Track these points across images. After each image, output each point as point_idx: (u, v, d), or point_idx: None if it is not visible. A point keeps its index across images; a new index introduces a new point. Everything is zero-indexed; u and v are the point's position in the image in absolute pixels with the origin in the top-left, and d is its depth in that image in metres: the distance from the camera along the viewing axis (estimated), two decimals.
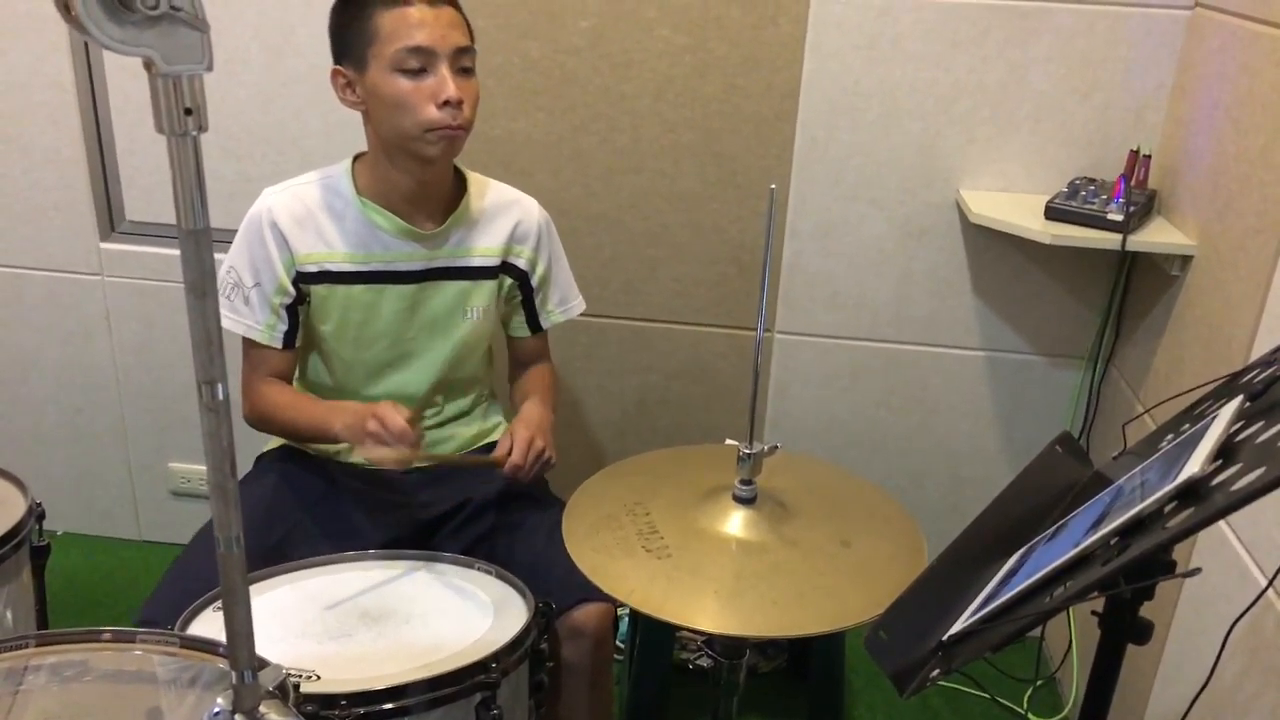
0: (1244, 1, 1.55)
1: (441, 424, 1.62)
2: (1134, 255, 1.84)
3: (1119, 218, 1.67)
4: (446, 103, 1.36)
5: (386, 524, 1.50)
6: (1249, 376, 0.96)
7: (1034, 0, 1.75)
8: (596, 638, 1.37)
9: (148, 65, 0.46)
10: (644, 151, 1.94)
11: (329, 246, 1.47)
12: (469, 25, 1.43)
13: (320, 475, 1.54)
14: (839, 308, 2.02)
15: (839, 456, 2.13)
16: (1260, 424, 0.74)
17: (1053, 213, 1.73)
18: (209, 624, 1.18)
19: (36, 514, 1.39)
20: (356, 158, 1.50)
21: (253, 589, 1.25)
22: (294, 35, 1.94)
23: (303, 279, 1.47)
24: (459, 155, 1.47)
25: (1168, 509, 0.69)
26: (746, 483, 1.06)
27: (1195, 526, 0.62)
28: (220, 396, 0.58)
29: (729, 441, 1.77)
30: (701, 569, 0.99)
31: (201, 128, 0.49)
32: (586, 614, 1.36)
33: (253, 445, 1.60)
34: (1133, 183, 1.76)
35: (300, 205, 1.46)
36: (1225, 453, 0.73)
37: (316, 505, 1.49)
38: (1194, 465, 0.69)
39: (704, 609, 0.94)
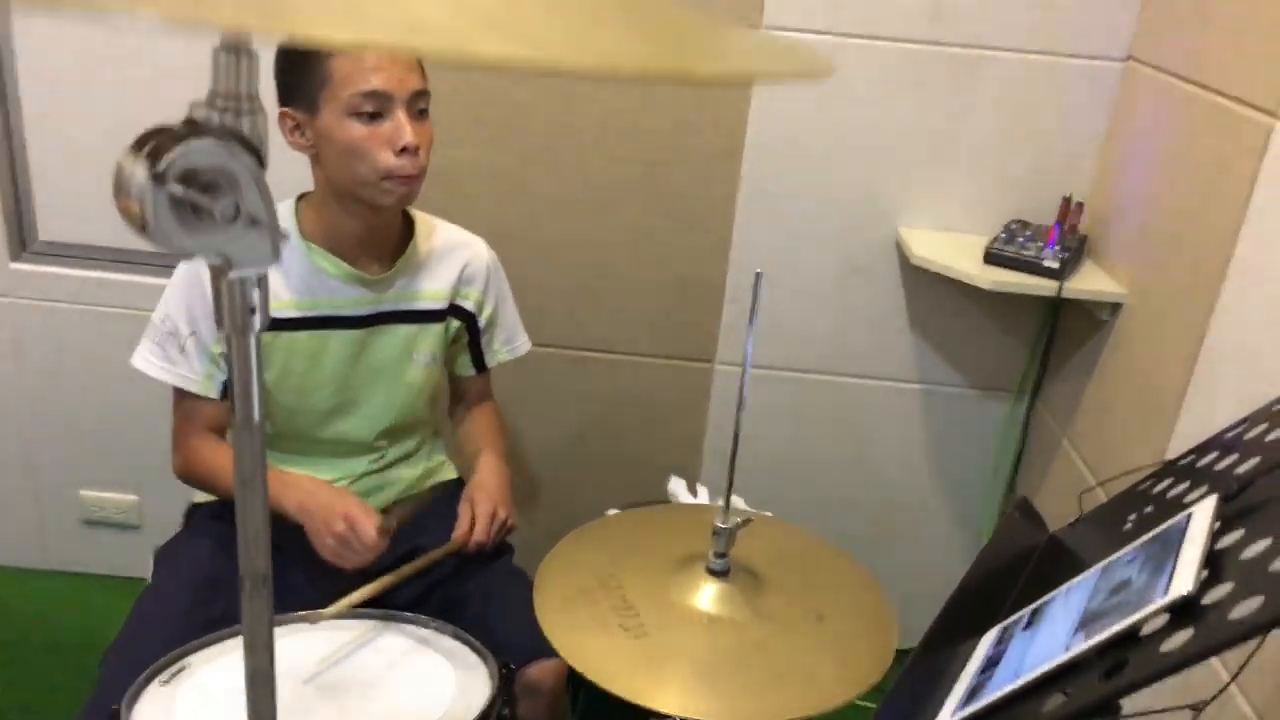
0: (1176, 59, 1.61)
1: (385, 468, 1.57)
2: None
3: (1054, 265, 1.73)
4: (403, 149, 1.32)
5: (335, 581, 1.44)
6: (1209, 459, 1.00)
7: (975, 48, 1.79)
8: (552, 695, 1.36)
9: (216, 269, 0.43)
10: (589, 183, 1.92)
11: (272, 294, 1.40)
12: (423, 68, 1.39)
13: None
14: (780, 341, 2.03)
15: (777, 485, 2.15)
16: (1241, 532, 0.77)
17: (992, 257, 1.78)
18: (153, 702, 1.12)
19: None
20: (300, 198, 1.44)
21: (198, 661, 1.20)
22: None
23: None
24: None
25: (1161, 623, 0.71)
26: (720, 555, 1.07)
27: (1198, 655, 0.65)
28: (264, 590, 0.55)
29: (672, 484, 1.78)
30: (679, 649, 0.98)
31: (264, 325, 0.46)
32: (542, 670, 1.34)
33: (183, 491, 1.53)
34: (1065, 228, 1.81)
35: None
36: (1211, 561, 0.75)
37: None
38: (1185, 582, 0.71)
39: (683, 691, 0.94)
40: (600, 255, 1.97)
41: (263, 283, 0.46)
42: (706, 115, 1.86)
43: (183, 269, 1.40)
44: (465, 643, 1.27)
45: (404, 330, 1.49)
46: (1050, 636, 0.84)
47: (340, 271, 1.42)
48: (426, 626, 1.30)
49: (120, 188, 0.40)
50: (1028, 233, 1.81)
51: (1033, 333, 1.99)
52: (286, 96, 1.33)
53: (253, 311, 0.45)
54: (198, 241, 0.41)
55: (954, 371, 2.05)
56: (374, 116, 1.31)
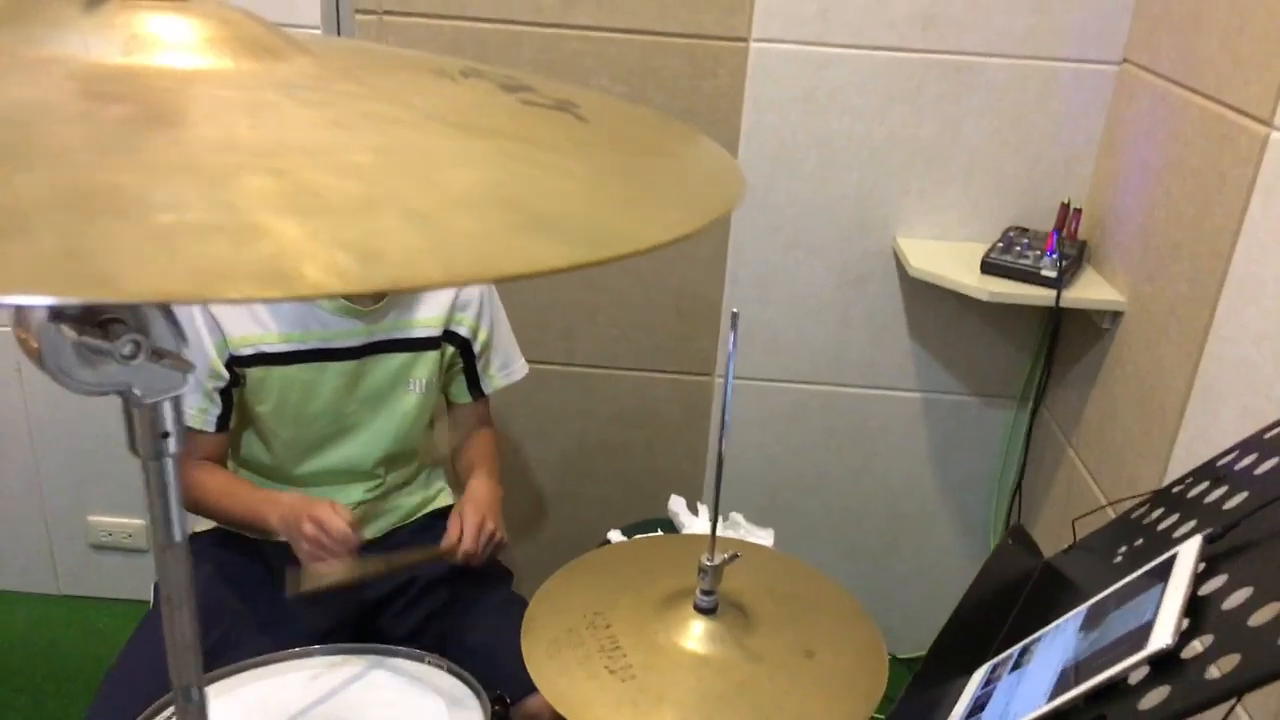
0: (1171, 64, 1.58)
1: (384, 495, 1.57)
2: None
3: (1053, 274, 1.70)
4: None
5: (330, 609, 1.45)
6: (1200, 489, 0.98)
7: (967, 55, 1.76)
8: None
9: (124, 396, 0.42)
10: None
11: (263, 328, 1.41)
12: None
13: (258, 560, 1.48)
14: (778, 352, 2.02)
15: (779, 497, 2.14)
16: (1225, 578, 0.75)
17: (988, 267, 1.76)
18: None
19: None
20: None
21: None
22: None
23: (236, 362, 1.41)
24: None
25: (1144, 674, 0.70)
26: (708, 593, 1.06)
27: (1175, 716, 0.63)
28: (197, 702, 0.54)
29: (673, 503, 1.77)
30: (666, 691, 0.97)
31: (178, 449, 0.46)
32: (540, 703, 1.33)
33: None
34: (1064, 234, 1.79)
35: None
36: (1193, 609, 0.74)
37: (255, 596, 1.44)
38: (1164, 634, 0.70)
39: None
40: (595, 272, 1.97)
41: (177, 402, 0.45)
42: (698, 129, 1.84)
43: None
44: (458, 677, 1.27)
45: (399, 359, 1.49)
46: (1035, 681, 0.83)
47: (332, 304, 1.42)
48: (420, 660, 1.30)
49: (19, 320, 0.39)
50: (1025, 240, 1.79)
51: (1034, 340, 1.97)
52: None
53: (165, 436, 0.44)
54: (99, 376, 0.40)
55: (956, 380, 2.03)
56: None
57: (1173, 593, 0.76)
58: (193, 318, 1.38)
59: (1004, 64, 1.77)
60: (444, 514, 1.64)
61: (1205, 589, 0.76)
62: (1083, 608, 0.89)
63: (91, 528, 2.26)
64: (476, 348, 1.57)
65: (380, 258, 0.30)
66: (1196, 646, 0.69)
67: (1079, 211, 1.80)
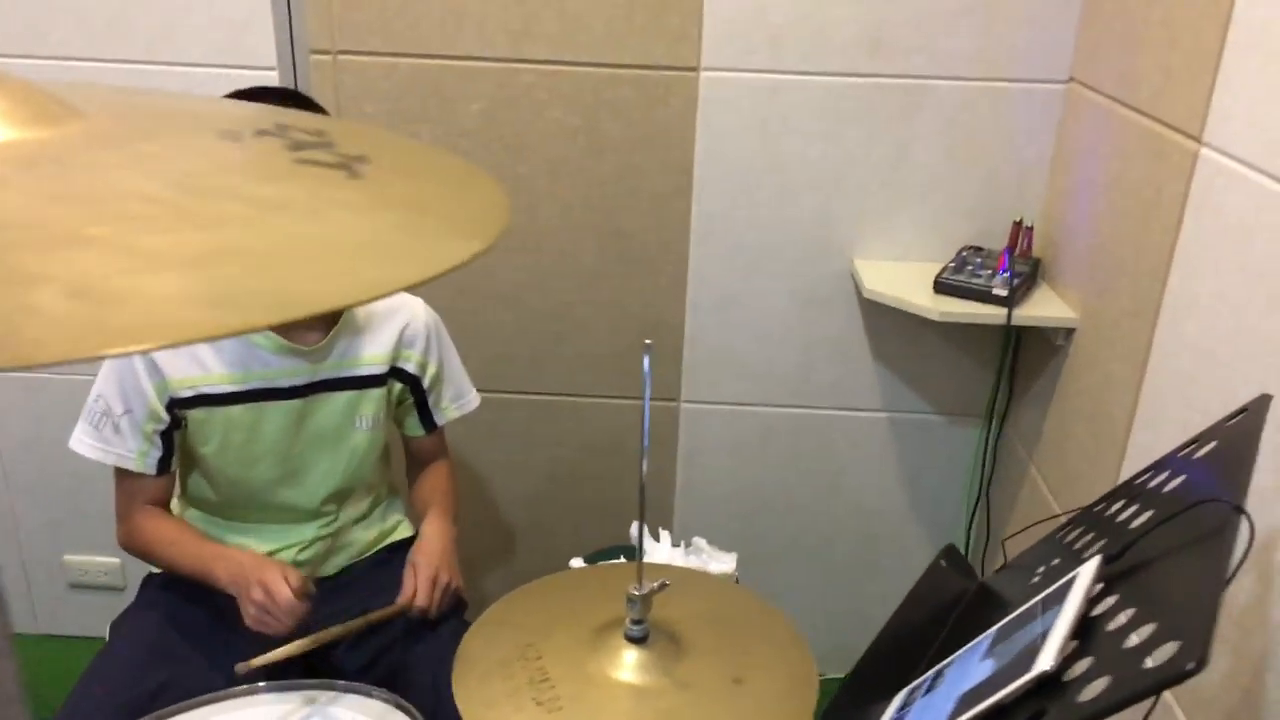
0: (1113, 83, 1.60)
1: (337, 531, 1.58)
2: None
3: (1003, 292, 1.71)
4: None
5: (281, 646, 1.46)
6: (1116, 507, 0.98)
7: (916, 78, 1.78)
8: None
9: None
10: (541, 230, 1.93)
11: (204, 369, 1.42)
12: None
13: (205, 602, 1.47)
14: (743, 376, 2.03)
15: (750, 522, 2.14)
16: (1114, 599, 0.76)
17: (941, 287, 1.77)
18: None
19: None
20: None
21: None
22: None
23: (177, 404, 1.41)
24: None
25: (1026, 698, 0.71)
26: (638, 622, 1.06)
27: None
28: None
29: (634, 529, 1.78)
30: None
31: None
32: None
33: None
34: (1016, 252, 1.80)
35: None
36: (1084, 630, 0.74)
37: (203, 638, 1.44)
38: (1048, 658, 0.70)
39: None
40: (558, 300, 1.98)
41: None
42: (653, 158, 1.86)
43: None
44: (405, 711, 1.27)
45: (344, 397, 1.50)
46: (939, 706, 0.83)
47: (272, 344, 1.43)
48: (370, 696, 1.31)
49: None
50: (979, 259, 1.80)
51: (994, 358, 1.98)
52: None
53: None
54: None
55: (921, 399, 2.03)
56: None
57: (1064, 615, 0.76)
58: (131, 360, 1.39)
59: (953, 85, 1.78)
60: (403, 546, 1.65)
61: (1099, 609, 0.77)
62: (991, 631, 0.89)
63: (69, 567, 2.27)
64: (426, 382, 1.59)
65: (19, 332, 0.30)
66: (1077, 669, 0.70)
67: (1030, 229, 1.81)
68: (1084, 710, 0.62)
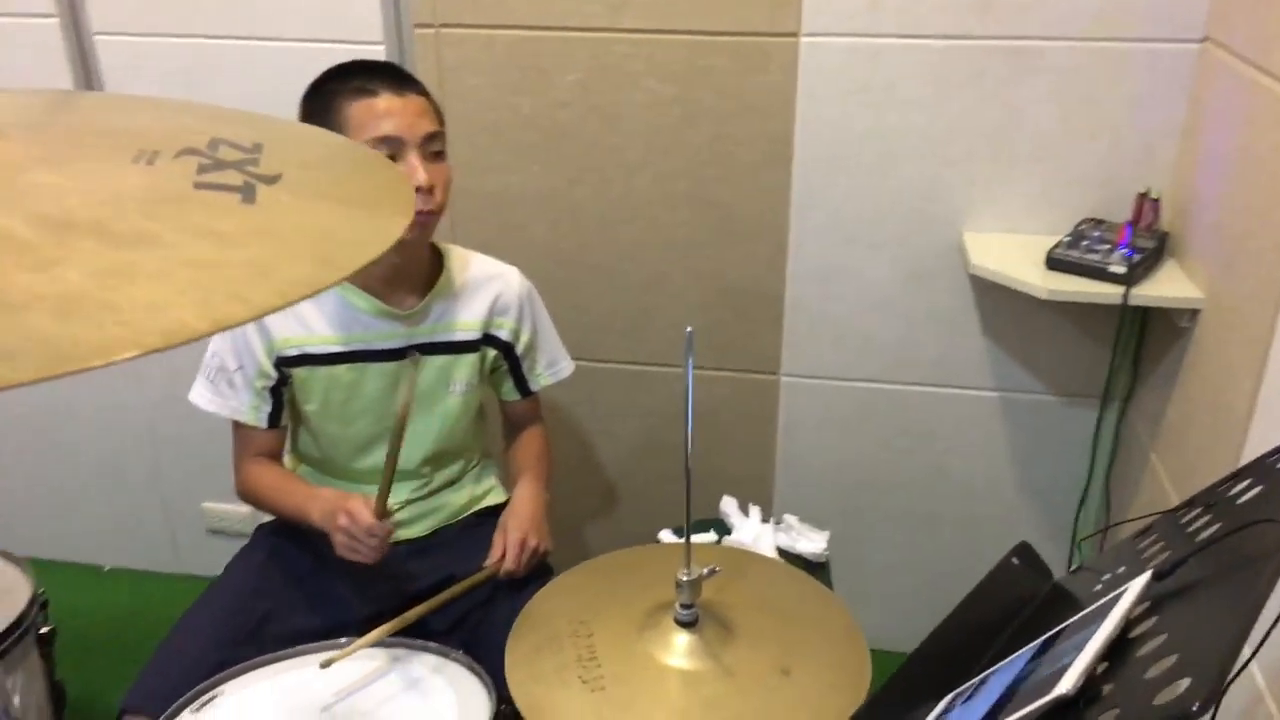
0: (1251, 44, 1.46)
1: (431, 494, 1.64)
2: None
3: (1121, 270, 1.60)
4: (417, 189, 1.38)
5: (372, 598, 1.53)
6: (1191, 515, 0.91)
7: (1028, 39, 1.67)
8: None
9: None
10: (637, 201, 1.92)
11: (308, 330, 1.49)
12: (437, 109, 1.44)
13: (308, 550, 1.57)
14: (844, 350, 1.98)
15: (850, 499, 2.10)
16: (1153, 621, 0.71)
17: (1053, 263, 1.67)
18: None
19: (40, 601, 1.46)
20: None
21: (231, 689, 1.29)
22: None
23: (283, 363, 1.50)
24: (435, 234, 1.48)
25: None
26: (687, 606, 1.06)
27: None
28: None
29: (724, 504, 1.77)
30: (634, 704, 0.98)
31: None
32: None
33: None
34: (1141, 226, 1.68)
35: None
36: (1116, 652, 0.70)
37: (303, 581, 1.53)
38: (1067, 681, 0.66)
39: None
40: (654, 271, 1.97)
41: None
42: (750, 127, 1.82)
43: None
44: (475, 674, 1.31)
45: (439, 360, 1.55)
46: (979, 710, 0.80)
47: (372, 307, 1.49)
48: (447, 658, 1.35)
49: None
50: (1097, 233, 1.69)
51: (1112, 337, 1.86)
52: None
53: None
54: None
55: (1034, 378, 1.93)
56: (389, 159, 1.36)
57: (1098, 635, 0.72)
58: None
59: (1070, 46, 1.66)
60: (494, 511, 1.69)
61: (1139, 628, 0.72)
62: (1037, 641, 0.85)
63: (207, 514, 2.44)
64: (519, 350, 1.62)
65: None
66: (1101, 694, 0.65)
67: (1157, 201, 1.68)
68: None
